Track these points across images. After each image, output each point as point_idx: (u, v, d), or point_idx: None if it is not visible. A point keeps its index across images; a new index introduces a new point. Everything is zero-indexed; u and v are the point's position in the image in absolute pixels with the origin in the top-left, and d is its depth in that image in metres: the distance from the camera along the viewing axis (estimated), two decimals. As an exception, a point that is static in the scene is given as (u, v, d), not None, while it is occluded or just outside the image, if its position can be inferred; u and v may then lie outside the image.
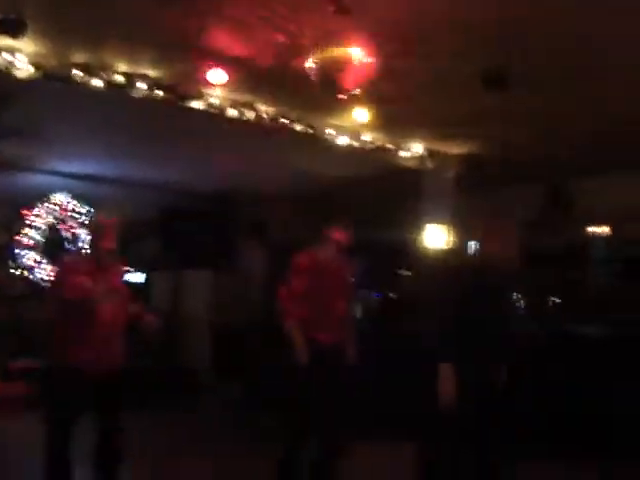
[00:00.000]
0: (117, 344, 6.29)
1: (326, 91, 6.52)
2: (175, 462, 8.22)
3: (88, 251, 6.54)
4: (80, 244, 13.93)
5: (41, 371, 11.51)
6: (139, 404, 10.31)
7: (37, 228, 13.67)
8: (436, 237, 11.66)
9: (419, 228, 11.70)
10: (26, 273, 13.53)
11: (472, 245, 6.38)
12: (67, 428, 6.08)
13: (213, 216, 15.30)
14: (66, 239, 13.92)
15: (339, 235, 7.25)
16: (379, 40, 6.53)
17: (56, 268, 7.49)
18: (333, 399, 6.77)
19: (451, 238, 11.77)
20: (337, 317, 6.99)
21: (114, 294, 6.23)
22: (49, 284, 7.44)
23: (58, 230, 13.91)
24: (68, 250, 13.84)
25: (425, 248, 11.61)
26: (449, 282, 6.04)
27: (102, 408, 6.27)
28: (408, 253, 12.68)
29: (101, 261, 6.28)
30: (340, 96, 6.69)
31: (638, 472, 7.79)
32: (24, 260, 13.49)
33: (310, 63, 6.10)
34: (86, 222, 13.94)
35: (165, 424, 10.43)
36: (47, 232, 13.78)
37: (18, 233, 13.52)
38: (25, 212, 13.57)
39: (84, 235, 13.93)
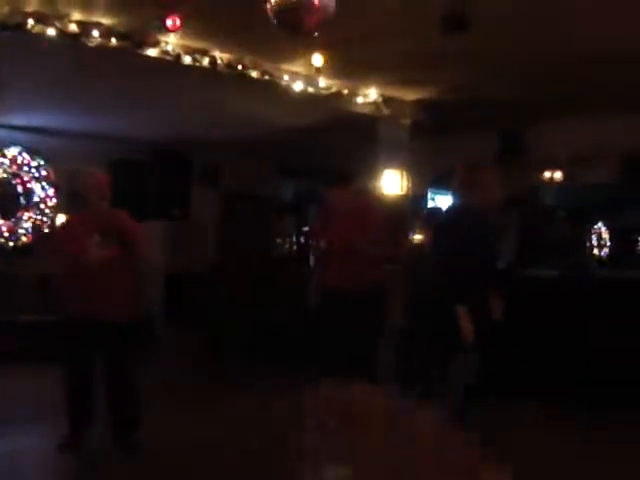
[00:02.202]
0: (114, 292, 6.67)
1: (285, 32, 6.47)
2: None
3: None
4: (35, 198, 13.79)
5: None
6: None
7: (-11, 183, 13.50)
8: (392, 184, 11.69)
9: (375, 175, 11.73)
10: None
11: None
12: (80, 372, 6.73)
13: (164, 165, 15.23)
14: (20, 194, 13.75)
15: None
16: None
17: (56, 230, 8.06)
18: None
19: (407, 184, 11.82)
20: (359, 263, 7.31)
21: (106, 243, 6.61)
22: (51, 245, 8.04)
23: (12, 185, 13.72)
24: (22, 205, 13.70)
25: (382, 195, 11.63)
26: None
27: (107, 354, 6.77)
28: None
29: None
30: (299, 37, 6.66)
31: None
32: (-23, 216, 13.34)
33: (269, 4, 6.05)
34: (38, 176, 13.80)
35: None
36: (0, 187, 13.61)
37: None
38: (-23, 167, 13.40)
39: (38, 189, 13.79)
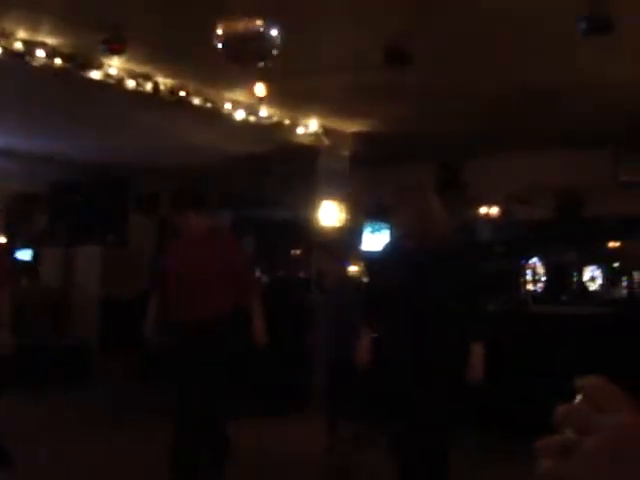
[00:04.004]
0: None
1: (231, 62, 6.53)
2: (60, 442, 8.09)
3: None
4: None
5: None
6: (31, 383, 10.27)
7: None
8: (330, 215, 11.77)
9: (313, 206, 11.79)
10: None
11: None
12: None
13: (103, 190, 15.15)
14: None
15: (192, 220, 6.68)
16: (282, 11, 6.57)
17: None
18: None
19: (345, 216, 11.90)
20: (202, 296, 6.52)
21: None
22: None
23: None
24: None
25: (319, 226, 11.71)
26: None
27: None
28: (301, 231, 12.76)
29: None
30: (244, 66, 6.73)
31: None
32: None
33: (216, 33, 6.11)
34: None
35: (55, 403, 10.34)
36: None
37: None
38: None
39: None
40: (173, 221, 6.87)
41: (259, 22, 6.01)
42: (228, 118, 10.19)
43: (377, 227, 13.05)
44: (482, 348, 5.46)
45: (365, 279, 6.08)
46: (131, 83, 8.95)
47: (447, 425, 5.59)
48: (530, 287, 12.88)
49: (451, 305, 5.44)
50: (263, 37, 6.02)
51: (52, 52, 8.08)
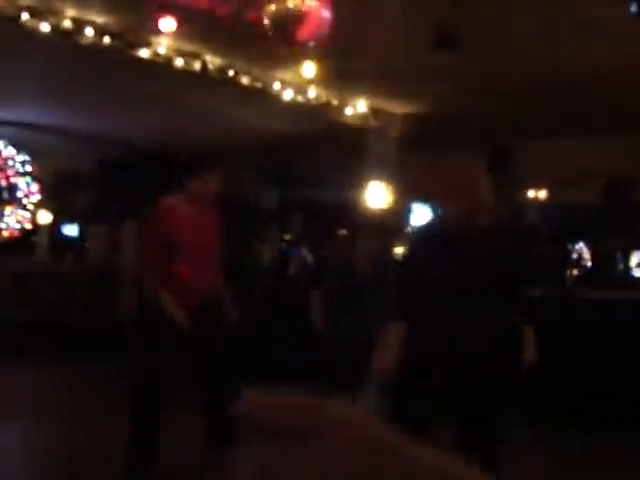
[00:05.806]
0: None
1: (278, 42, 6.48)
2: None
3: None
4: (18, 193, 13.68)
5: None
6: (74, 359, 10.32)
7: (-28, 177, 13.40)
8: (377, 196, 11.70)
9: (361, 187, 11.73)
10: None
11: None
12: None
13: (152, 168, 15.17)
14: (3, 188, 13.65)
15: (205, 184, 6.19)
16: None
17: None
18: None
19: (392, 197, 11.82)
20: (206, 273, 6.12)
21: None
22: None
23: (-5, 179, 13.63)
24: (4, 199, 13.61)
25: (366, 207, 11.64)
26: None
27: None
28: (348, 212, 12.71)
29: None
30: (292, 48, 6.66)
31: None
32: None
33: (264, 13, 6.06)
34: (23, 171, 13.70)
35: (104, 379, 10.34)
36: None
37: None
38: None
39: (22, 184, 13.69)
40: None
41: (308, 2, 5.96)
42: (276, 98, 10.14)
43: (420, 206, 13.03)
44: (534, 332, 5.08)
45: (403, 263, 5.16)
46: (180, 62, 8.92)
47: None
48: (576, 272, 12.76)
49: (499, 286, 4.91)
50: (312, 18, 5.97)
51: (101, 30, 8.08)
